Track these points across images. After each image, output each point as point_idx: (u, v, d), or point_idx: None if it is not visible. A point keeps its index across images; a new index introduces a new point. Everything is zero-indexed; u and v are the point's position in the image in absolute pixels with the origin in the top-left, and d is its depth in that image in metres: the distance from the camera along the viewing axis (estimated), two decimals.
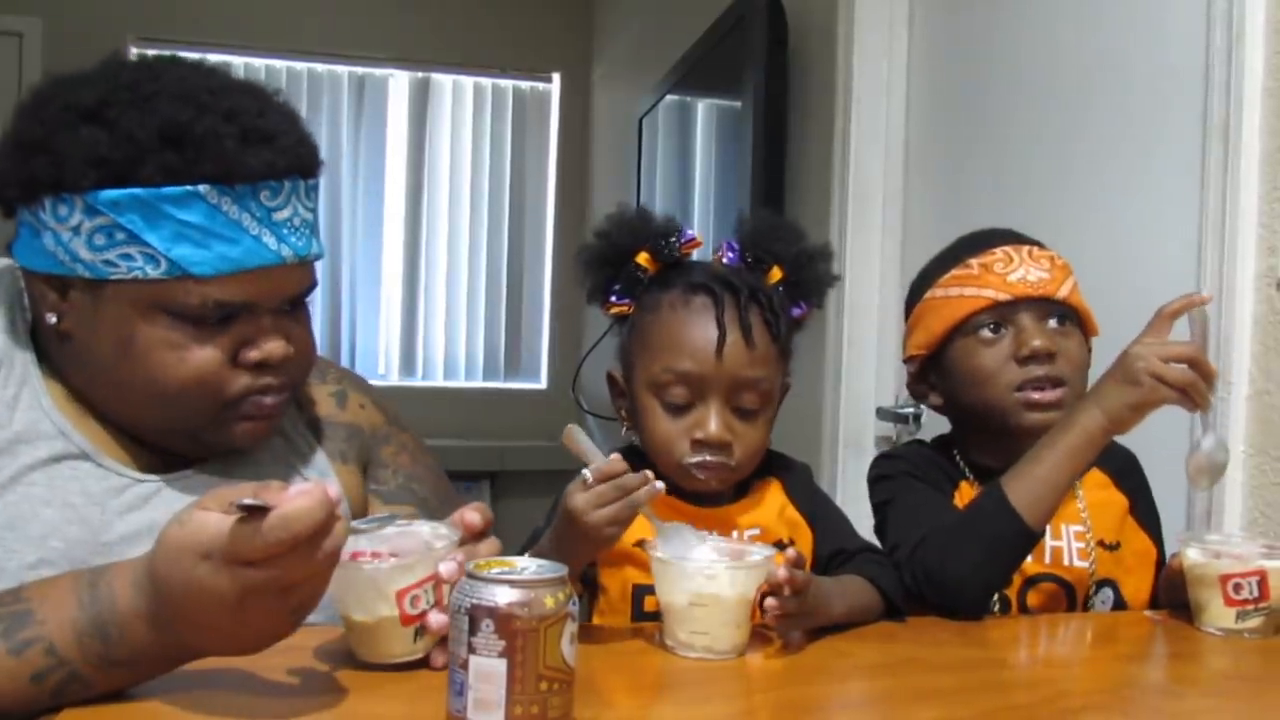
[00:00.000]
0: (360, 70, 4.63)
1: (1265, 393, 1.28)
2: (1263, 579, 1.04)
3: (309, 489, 0.69)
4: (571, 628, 0.70)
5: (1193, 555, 1.08)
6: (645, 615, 1.05)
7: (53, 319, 0.94)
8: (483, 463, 4.46)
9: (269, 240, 0.93)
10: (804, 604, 0.94)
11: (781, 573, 0.91)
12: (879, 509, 1.22)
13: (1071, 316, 1.19)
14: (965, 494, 1.22)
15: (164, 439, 1.00)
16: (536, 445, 4.57)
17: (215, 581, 0.68)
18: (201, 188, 0.89)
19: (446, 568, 0.82)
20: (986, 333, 1.18)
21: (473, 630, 0.68)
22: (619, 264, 1.09)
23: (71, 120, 0.90)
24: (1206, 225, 1.34)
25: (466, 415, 4.61)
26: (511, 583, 0.69)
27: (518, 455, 4.48)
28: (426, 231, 4.74)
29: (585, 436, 0.93)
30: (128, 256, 0.89)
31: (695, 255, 1.12)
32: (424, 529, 0.88)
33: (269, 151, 0.92)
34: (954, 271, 1.21)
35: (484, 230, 4.80)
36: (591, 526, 0.90)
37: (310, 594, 0.72)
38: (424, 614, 0.82)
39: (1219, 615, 1.06)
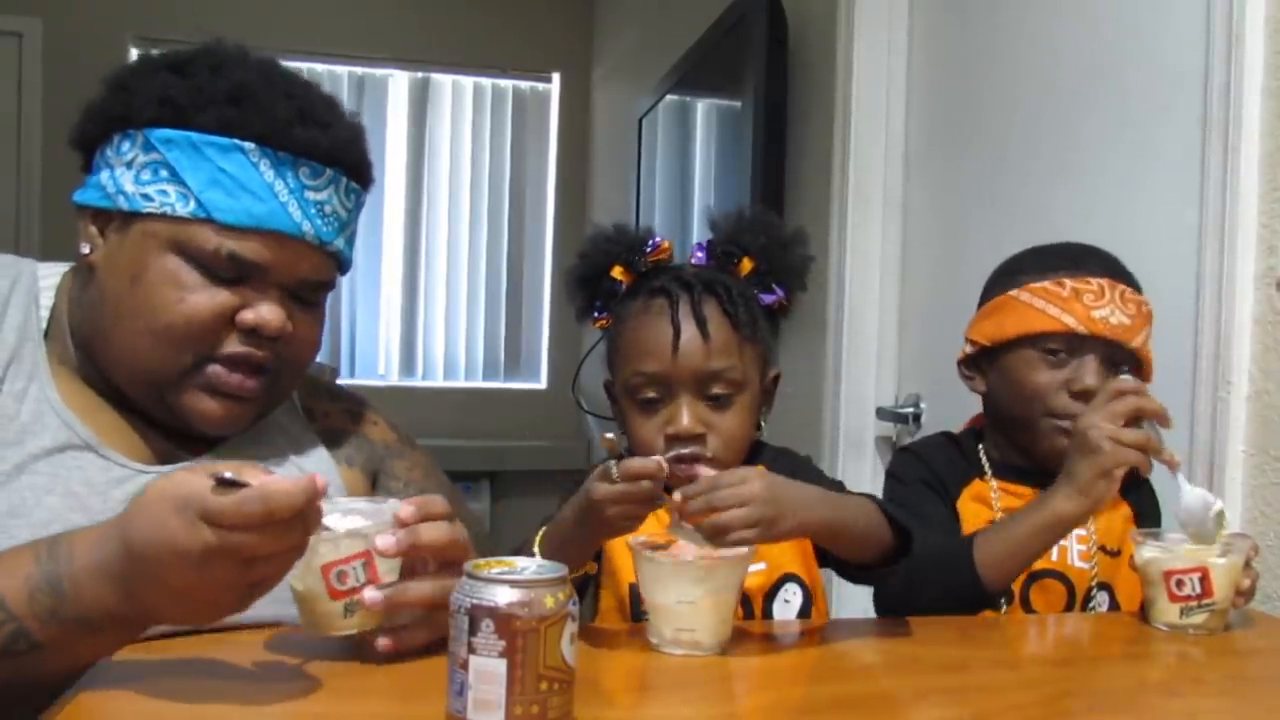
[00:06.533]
0: (360, 70, 4.63)
1: (1265, 393, 1.28)
2: (1205, 575, 1.05)
3: (301, 479, 0.71)
4: (571, 628, 0.71)
5: (1144, 552, 1.09)
6: (644, 616, 1.05)
7: (85, 248, 1.00)
8: (482, 463, 4.46)
9: (294, 211, 0.97)
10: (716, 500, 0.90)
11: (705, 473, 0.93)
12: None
13: (1135, 364, 1.21)
14: (976, 490, 1.26)
15: (141, 394, 1.00)
16: (536, 445, 4.58)
17: (184, 534, 0.70)
18: (247, 144, 0.96)
19: (384, 541, 0.82)
20: (1051, 355, 1.20)
21: (473, 630, 0.68)
22: (597, 280, 1.14)
23: (155, 68, 1.00)
24: (1206, 225, 1.34)
25: (466, 415, 4.62)
26: (511, 583, 0.69)
27: (518, 455, 4.49)
28: (426, 231, 4.73)
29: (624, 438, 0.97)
30: (163, 192, 0.96)
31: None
32: (396, 504, 0.86)
33: (317, 132, 0.98)
34: (1047, 284, 1.20)
35: (484, 230, 4.80)
36: (611, 518, 0.90)
37: (271, 574, 0.74)
38: (355, 590, 0.81)
39: (1164, 611, 1.07)
